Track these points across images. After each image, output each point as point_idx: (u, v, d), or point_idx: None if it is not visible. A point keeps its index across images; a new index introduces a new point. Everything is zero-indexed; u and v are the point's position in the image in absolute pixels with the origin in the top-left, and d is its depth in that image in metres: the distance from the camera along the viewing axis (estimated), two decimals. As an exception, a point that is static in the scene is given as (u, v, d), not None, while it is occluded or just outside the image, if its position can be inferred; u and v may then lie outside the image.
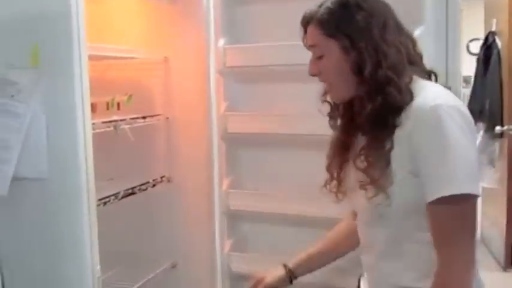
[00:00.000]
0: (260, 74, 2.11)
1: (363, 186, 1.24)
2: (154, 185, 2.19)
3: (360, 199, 1.29)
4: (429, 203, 1.16)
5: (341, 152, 1.39)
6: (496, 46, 4.10)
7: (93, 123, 1.66)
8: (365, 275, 1.46)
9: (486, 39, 4.26)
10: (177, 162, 2.23)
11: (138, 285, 2.06)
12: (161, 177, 2.23)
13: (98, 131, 1.74)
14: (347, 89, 1.29)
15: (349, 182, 1.36)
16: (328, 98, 1.39)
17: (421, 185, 1.18)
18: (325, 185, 1.42)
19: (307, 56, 1.35)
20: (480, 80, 4.21)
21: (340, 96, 1.34)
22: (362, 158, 1.25)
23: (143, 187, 2.12)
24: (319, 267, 1.62)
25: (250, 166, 2.22)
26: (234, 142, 2.21)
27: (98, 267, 1.59)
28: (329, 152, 1.42)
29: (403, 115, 1.21)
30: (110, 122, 1.91)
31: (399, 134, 1.22)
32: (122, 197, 1.98)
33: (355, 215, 1.46)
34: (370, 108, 1.22)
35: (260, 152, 2.17)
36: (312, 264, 1.61)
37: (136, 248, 2.24)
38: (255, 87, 2.15)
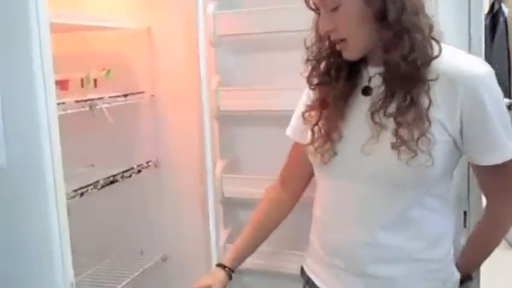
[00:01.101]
0: (256, 43, 1.90)
1: (396, 148, 1.16)
2: (139, 171, 2.04)
3: (384, 162, 1.20)
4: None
5: (336, 110, 1.29)
6: (503, 14, 4.05)
7: (64, 103, 1.51)
8: (335, 257, 1.34)
9: (492, 6, 4.17)
10: (165, 145, 2.09)
11: (124, 283, 1.90)
12: (147, 162, 2.09)
13: (70, 111, 1.58)
14: (367, 40, 1.20)
15: (349, 142, 1.26)
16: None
17: (457, 150, 1.22)
18: (311, 144, 1.32)
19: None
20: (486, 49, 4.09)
21: (360, 50, 1.23)
22: (382, 113, 1.18)
23: (126, 174, 1.97)
24: (252, 253, 1.59)
25: (246, 147, 2.02)
26: (228, 121, 2.01)
27: (71, 271, 1.39)
28: (316, 109, 1.33)
29: (438, 72, 1.16)
30: (85, 101, 1.72)
31: (441, 98, 1.17)
32: (102, 186, 1.81)
33: (300, 186, 1.54)
34: (399, 54, 1.14)
35: (257, 132, 1.97)
36: (245, 253, 1.58)
37: (123, 241, 2.11)
38: (251, 58, 1.94)
